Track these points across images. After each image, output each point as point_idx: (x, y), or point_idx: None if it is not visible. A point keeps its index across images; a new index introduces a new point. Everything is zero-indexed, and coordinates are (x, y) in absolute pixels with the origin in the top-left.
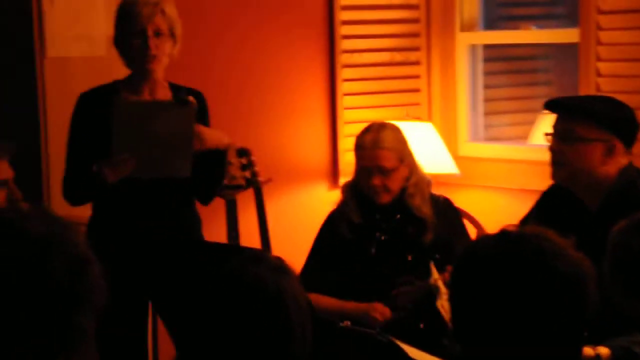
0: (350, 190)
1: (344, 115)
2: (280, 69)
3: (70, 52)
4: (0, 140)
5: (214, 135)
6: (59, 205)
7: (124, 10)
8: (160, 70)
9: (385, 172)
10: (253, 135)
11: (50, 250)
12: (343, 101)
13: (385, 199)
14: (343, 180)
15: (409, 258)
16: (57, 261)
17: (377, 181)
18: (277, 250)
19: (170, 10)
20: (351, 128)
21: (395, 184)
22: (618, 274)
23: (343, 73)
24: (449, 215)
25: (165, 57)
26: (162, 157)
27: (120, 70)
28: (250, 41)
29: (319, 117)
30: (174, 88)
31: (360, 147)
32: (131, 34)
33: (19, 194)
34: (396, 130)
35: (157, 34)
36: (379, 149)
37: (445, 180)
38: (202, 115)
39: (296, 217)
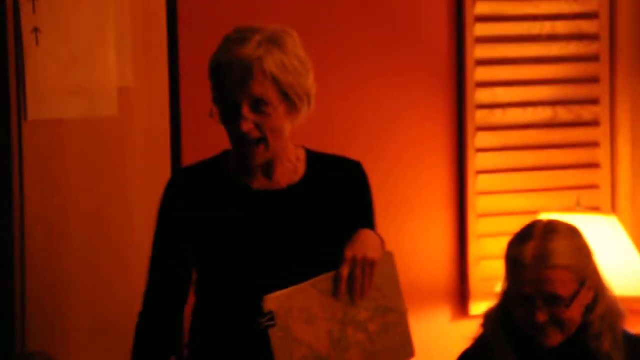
0: (498, 322)
1: (477, 204)
2: (380, 129)
3: (63, 113)
4: None
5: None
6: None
7: (213, 67)
8: (279, 150)
9: (556, 302)
10: None
11: None
12: (476, 183)
13: (554, 339)
14: (475, 305)
15: None
16: None
17: (542, 316)
18: None
19: (280, 60)
20: (488, 224)
21: (572, 317)
22: None
23: (477, 139)
24: None
25: (282, 134)
26: None
27: (140, 136)
28: (346, 97)
29: (438, 208)
30: (313, 159)
31: (516, 262)
32: (221, 106)
33: None
34: (573, 235)
35: (257, 105)
36: (548, 268)
37: None
38: (360, 194)
39: None
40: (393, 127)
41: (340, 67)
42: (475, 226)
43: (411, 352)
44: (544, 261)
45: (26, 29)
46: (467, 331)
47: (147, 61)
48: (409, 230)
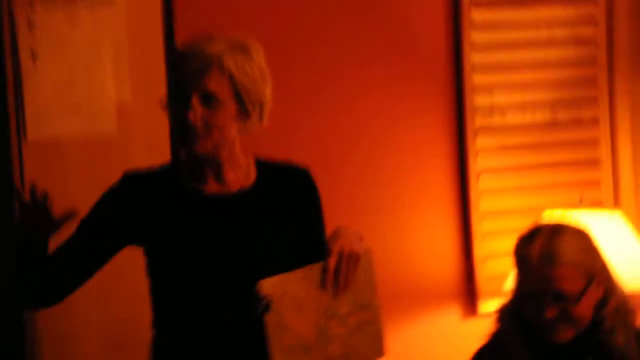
0: (511, 318)
1: (480, 205)
2: (382, 137)
3: (63, 131)
4: None
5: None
6: None
7: (172, 62)
8: (224, 150)
9: (565, 299)
10: None
11: None
12: (479, 184)
13: (564, 335)
14: (484, 304)
15: None
16: None
17: (551, 313)
18: None
19: (240, 63)
20: (491, 223)
21: (581, 313)
22: None
23: (478, 142)
24: None
25: (226, 133)
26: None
27: (140, 151)
28: (348, 106)
29: (442, 207)
30: (262, 167)
31: (524, 260)
32: (173, 100)
33: None
34: (579, 234)
35: (208, 99)
36: (555, 265)
37: None
38: (310, 201)
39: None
40: (395, 134)
41: (340, 78)
42: (480, 226)
43: (382, 351)
44: (550, 259)
45: (23, 50)
46: (476, 329)
47: (145, 77)
48: (414, 232)
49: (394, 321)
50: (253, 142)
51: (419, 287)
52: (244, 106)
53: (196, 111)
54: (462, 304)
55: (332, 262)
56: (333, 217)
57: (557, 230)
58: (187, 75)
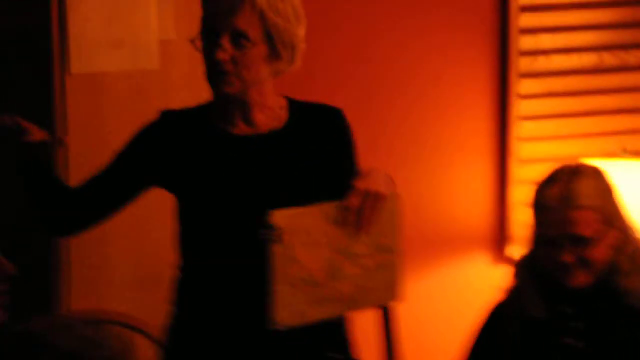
0: (528, 269)
1: (519, 150)
2: (428, 83)
3: (105, 66)
4: None
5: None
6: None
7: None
8: (253, 91)
9: (582, 242)
10: None
11: None
12: (519, 129)
13: (581, 279)
14: (515, 249)
15: None
16: None
17: (568, 257)
18: (414, 354)
19: (273, 2)
20: (530, 171)
21: (598, 257)
22: None
23: (520, 86)
24: None
25: (255, 74)
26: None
27: (181, 90)
28: (395, 54)
29: (479, 153)
30: (294, 108)
31: (542, 205)
32: (204, 34)
33: (11, 267)
34: (597, 177)
35: (238, 39)
36: (572, 209)
37: None
38: (342, 140)
39: (444, 304)
40: (440, 80)
41: (387, 27)
42: (517, 172)
43: (396, 296)
44: (568, 202)
45: None
46: (506, 275)
47: (189, 13)
48: (452, 177)
49: (422, 265)
50: (298, 88)
51: (451, 232)
52: (275, 47)
53: (225, 50)
54: (493, 249)
55: (354, 200)
56: (373, 163)
57: (575, 174)
58: (218, 14)
